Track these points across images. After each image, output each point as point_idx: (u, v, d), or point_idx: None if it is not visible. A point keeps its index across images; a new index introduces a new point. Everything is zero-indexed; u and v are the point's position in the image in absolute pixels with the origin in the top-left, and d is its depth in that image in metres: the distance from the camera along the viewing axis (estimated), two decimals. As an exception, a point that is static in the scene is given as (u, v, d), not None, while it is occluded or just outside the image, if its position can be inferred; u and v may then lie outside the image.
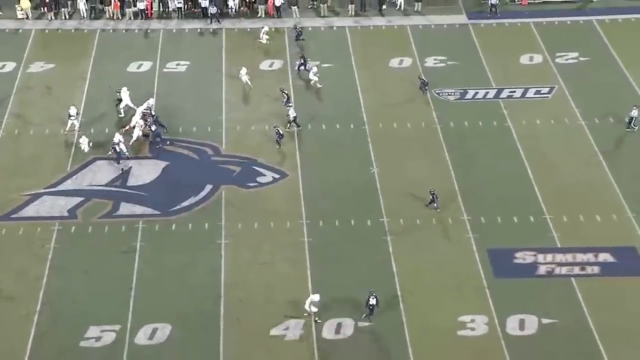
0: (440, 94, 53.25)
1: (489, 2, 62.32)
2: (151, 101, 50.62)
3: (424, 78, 53.03)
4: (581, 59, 56.61)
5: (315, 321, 38.26)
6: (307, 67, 54.27)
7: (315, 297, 38.25)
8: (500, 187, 45.98)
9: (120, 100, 50.96)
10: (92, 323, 38.60)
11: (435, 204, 44.24)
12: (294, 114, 50.04)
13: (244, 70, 53.01)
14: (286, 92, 51.50)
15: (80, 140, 48.39)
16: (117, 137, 47.70)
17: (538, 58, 56.92)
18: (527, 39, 59.08)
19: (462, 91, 53.50)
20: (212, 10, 60.38)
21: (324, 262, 41.77)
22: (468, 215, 44.28)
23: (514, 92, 53.58)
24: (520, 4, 63.01)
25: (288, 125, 49.99)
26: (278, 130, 48.33)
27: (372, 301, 38.20)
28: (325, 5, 61.71)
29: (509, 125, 50.62)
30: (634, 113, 49.27)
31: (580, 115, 51.33)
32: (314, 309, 38.16)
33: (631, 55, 56.70)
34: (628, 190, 45.69)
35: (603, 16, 61.23)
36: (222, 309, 39.43)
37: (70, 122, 49.57)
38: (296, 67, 54.90)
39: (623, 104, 51.92)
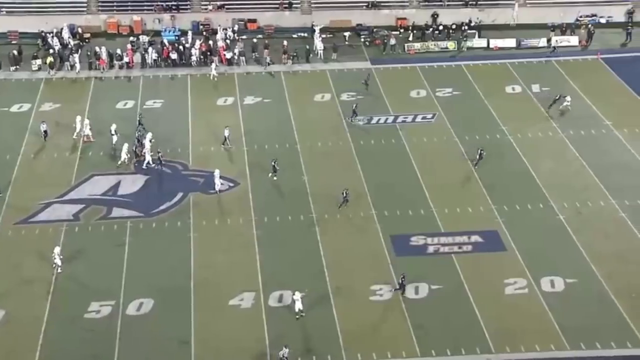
0: (352, 120, 53.00)
1: (389, 44, 62.55)
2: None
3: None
4: (454, 93, 56.80)
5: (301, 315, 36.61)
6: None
7: (297, 296, 36.57)
8: (398, 189, 45.79)
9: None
10: (93, 299, 37.60)
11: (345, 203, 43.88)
12: (228, 133, 49.58)
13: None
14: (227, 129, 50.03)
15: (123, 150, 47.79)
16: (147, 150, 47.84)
17: (423, 92, 56.99)
18: (415, 78, 59.10)
19: (368, 118, 53.24)
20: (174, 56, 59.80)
21: (268, 248, 41.19)
22: (375, 210, 44.07)
23: (407, 118, 53.52)
24: (409, 53, 63.19)
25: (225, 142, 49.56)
26: (274, 165, 46.42)
27: (400, 280, 37.70)
28: (263, 55, 60.92)
29: (403, 143, 50.54)
30: None
31: (455, 133, 51.50)
32: (300, 306, 36.59)
33: (488, 89, 57.05)
34: (490, 188, 45.91)
35: (469, 62, 61.58)
36: (192, 285, 38.65)
37: (114, 137, 48.91)
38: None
39: (485, 124, 52.42)
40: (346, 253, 40.83)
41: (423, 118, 53.56)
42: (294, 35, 64.12)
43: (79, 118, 50.24)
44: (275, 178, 46.48)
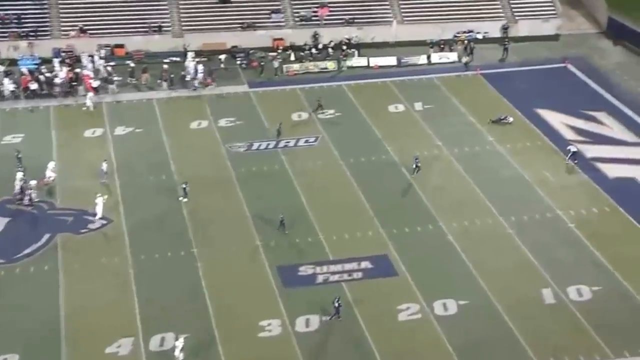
0: (232, 147, 52.58)
1: (273, 66, 62.74)
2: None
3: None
4: (337, 114, 57.42)
5: None
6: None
7: (179, 342, 35.35)
8: (284, 217, 45.50)
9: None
10: (-52, 360, 35.28)
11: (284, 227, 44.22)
12: (106, 168, 48.50)
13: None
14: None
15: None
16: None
17: (304, 115, 57.30)
18: (295, 100, 59.38)
19: (249, 144, 53.02)
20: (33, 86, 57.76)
21: (147, 288, 39.97)
22: (260, 240, 43.65)
23: (289, 142, 53.55)
24: (288, 74, 63.50)
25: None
26: (185, 188, 46.63)
27: (335, 304, 37.53)
28: (141, 81, 60.10)
29: (287, 168, 50.51)
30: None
31: (339, 156, 51.93)
32: (182, 357, 35.28)
33: (371, 109, 57.98)
34: (378, 211, 46.38)
35: (349, 81, 62.47)
36: (62, 334, 36.87)
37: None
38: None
39: (369, 145, 53.15)
40: (231, 288, 40.17)
41: (306, 141, 53.79)
42: (166, 60, 63.16)
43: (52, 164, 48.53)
44: (185, 200, 46.09)
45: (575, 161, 51.33)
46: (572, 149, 51.62)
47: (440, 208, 46.77)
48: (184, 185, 46.80)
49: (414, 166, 49.35)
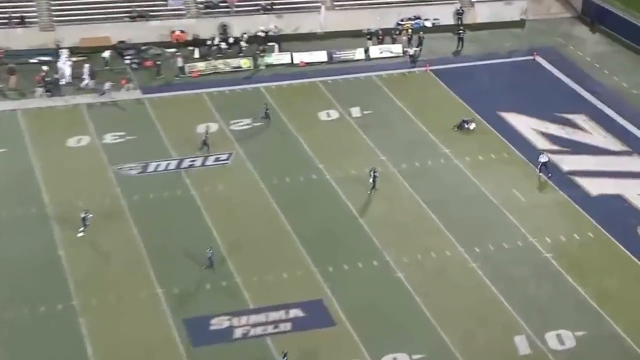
0: (122, 169, 52.04)
1: (176, 66, 63.13)
2: None
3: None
4: (254, 124, 57.42)
5: None
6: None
7: None
8: (191, 255, 45.07)
9: None
10: None
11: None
12: None
13: None
14: None
15: None
16: None
17: (214, 126, 57.13)
18: (201, 108, 59.34)
19: (143, 164, 52.70)
20: None
21: (11, 356, 38.92)
22: (161, 287, 43.13)
23: (195, 161, 53.42)
24: (191, 75, 63.24)
25: None
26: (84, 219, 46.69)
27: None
28: (7, 86, 59.91)
29: (192, 194, 50.23)
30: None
31: (259, 177, 51.92)
32: None
33: (296, 116, 58.40)
34: (310, 245, 46.36)
35: (269, 83, 62.83)
36: None
37: None
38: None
39: (296, 163, 53.42)
40: (124, 350, 39.44)
41: (216, 160, 53.72)
42: (33, 60, 62.50)
43: None
44: (81, 234, 46.03)
45: (549, 175, 52.28)
46: (542, 158, 52.46)
47: (387, 239, 47.02)
48: (83, 215, 46.30)
49: (371, 180, 49.94)
